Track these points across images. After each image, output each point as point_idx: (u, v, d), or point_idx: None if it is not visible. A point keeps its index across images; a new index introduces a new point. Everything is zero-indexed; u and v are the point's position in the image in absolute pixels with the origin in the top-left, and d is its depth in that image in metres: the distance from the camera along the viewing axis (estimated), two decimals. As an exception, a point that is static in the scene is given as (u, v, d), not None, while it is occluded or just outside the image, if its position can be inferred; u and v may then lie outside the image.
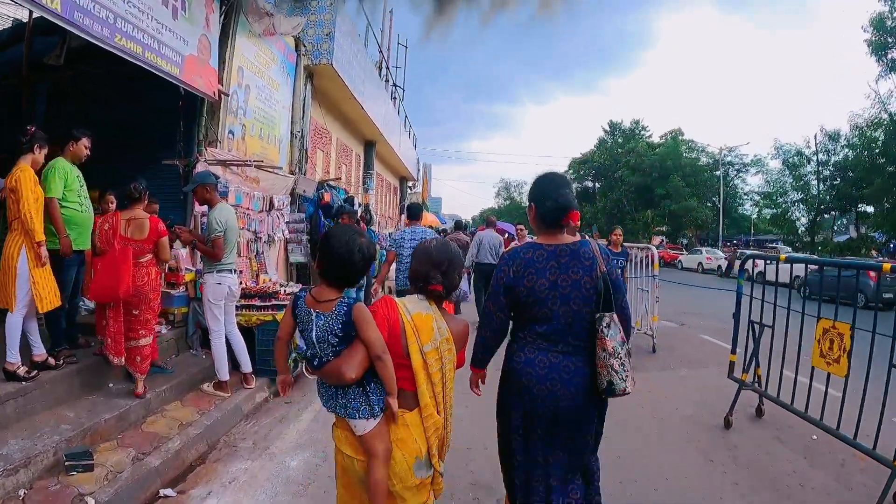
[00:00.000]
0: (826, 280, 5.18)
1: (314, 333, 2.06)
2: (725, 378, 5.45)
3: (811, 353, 4.36)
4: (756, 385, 5.15)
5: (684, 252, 37.50)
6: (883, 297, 13.24)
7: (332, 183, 11.15)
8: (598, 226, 53.98)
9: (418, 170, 30.43)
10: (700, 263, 33.41)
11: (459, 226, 15.66)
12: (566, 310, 2.45)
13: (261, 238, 8.05)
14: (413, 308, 2.15)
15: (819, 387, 4.36)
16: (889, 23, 26.37)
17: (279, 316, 5.92)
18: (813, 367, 4.33)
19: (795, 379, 4.56)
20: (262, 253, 8.17)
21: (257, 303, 6.07)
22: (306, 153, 10.00)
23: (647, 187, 48.32)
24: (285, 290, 6.41)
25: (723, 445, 4.71)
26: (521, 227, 11.57)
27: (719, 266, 31.07)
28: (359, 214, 12.06)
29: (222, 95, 7.14)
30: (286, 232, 8.90)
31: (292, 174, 9.22)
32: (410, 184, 30.49)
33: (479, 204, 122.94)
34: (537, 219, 2.61)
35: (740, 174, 48.22)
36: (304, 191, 9.01)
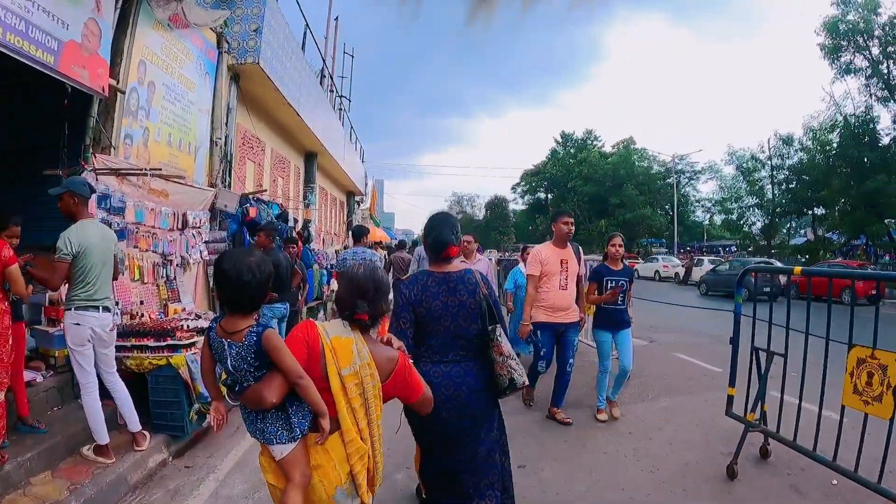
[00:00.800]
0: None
1: (229, 363, 2.04)
2: (714, 408, 4.88)
3: (837, 387, 3.59)
4: (764, 425, 4.28)
5: (639, 260, 37.49)
6: None
7: (260, 196, 10.02)
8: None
9: (366, 184, 29.30)
10: (657, 271, 33.46)
11: (402, 245, 15.34)
12: (455, 325, 2.88)
13: (171, 261, 6.88)
14: (332, 331, 2.14)
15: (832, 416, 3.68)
16: (842, 27, 26.88)
17: (176, 359, 4.83)
18: (843, 407, 3.49)
19: (819, 417, 3.77)
20: (174, 278, 7.00)
21: (151, 342, 4.92)
22: (231, 164, 8.86)
23: (600, 197, 48.55)
24: (188, 325, 5.28)
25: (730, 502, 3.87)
26: (469, 239, 10.69)
27: (676, 273, 31.04)
28: (293, 231, 10.97)
29: (117, 93, 6.01)
30: (205, 253, 7.73)
31: (213, 187, 8.06)
32: (358, 199, 29.32)
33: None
34: (428, 250, 3.08)
35: (691, 181, 48.84)
36: (226, 205, 7.88)
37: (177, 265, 7.05)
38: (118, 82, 6.03)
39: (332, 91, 20.70)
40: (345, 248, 24.35)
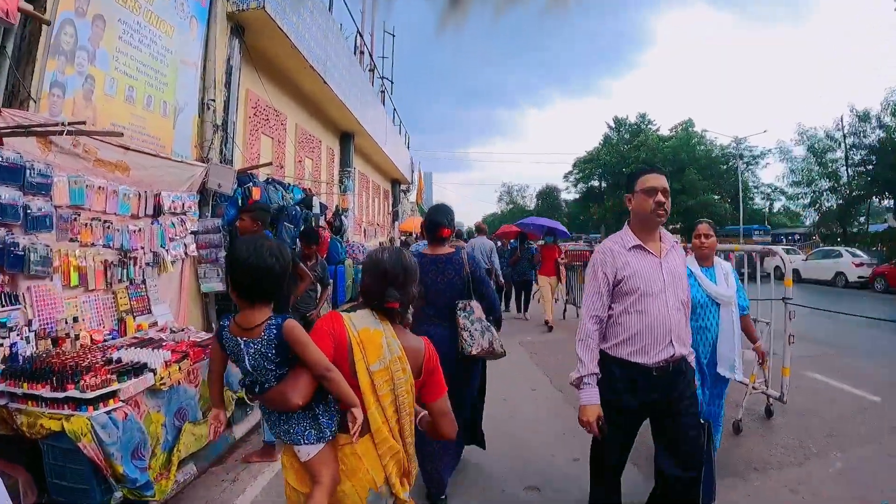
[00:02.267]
0: None
1: (247, 362, 1.89)
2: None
3: None
4: None
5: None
6: None
7: (277, 178, 8.17)
8: (606, 227, 51.54)
9: (412, 172, 27.37)
10: (726, 263, 30.24)
11: (459, 235, 13.09)
12: (444, 299, 3.63)
13: (135, 258, 5.05)
14: (360, 323, 1.97)
15: None
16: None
17: (75, 423, 2.94)
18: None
19: None
20: (143, 282, 5.18)
21: (46, 392, 3.05)
22: (232, 135, 7.00)
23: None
24: (115, 359, 3.43)
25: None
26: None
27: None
28: (321, 220, 9.10)
29: (41, 24, 4.21)
30: (192, 247, 5.90)
31: (203, 162, 6.21)
32: (404, 188, 27.46)
33: (482, 209, 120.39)
34: (426, 231, 3.88)
35: (749, 167, 45.25)
36: (220, 185, 6.00)
37: (146, 264, 5.22)
38: (43, 11, 4.24)
39: (372, 71, 18.86)
40: (391, 239, 22.81)
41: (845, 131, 32.56)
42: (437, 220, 3.73)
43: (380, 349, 1.92)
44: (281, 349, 1.86)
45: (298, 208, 7.12)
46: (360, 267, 9.78)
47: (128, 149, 4.90)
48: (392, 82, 24.51)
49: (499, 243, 16.50)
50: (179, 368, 3.78)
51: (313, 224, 8.60)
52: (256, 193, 6.51)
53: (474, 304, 3.62)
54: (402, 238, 22.85)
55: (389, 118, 20.47)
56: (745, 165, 44.78)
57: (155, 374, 3.50)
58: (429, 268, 3.61)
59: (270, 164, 7.95)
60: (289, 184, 8.62)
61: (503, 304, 12.78)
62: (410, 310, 2.23)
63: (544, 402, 6.02)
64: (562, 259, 11.22)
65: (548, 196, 74.36)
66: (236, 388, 4.63)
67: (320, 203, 9.41)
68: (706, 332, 3.81)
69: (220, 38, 6.84)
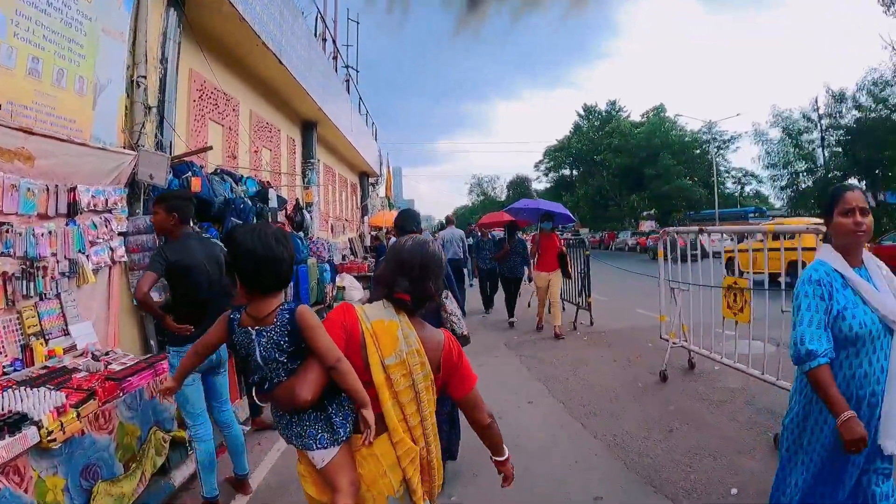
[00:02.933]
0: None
1: (258, 355, 1.79)
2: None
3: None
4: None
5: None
6: None
7: (228, 169, 7.23)
8: (579, 215, 51.31)
9: (381, 164, 26.39)
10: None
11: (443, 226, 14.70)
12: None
13: (44, 268, 4.12)
14: (373, 314, 1.87)
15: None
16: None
17: None
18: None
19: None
20: (59, 295, 4.26)
21: None
22: (168, 116, 6.01)
23: (633, 169, 45.26)
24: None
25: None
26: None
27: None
28: (283, 214, 8.22)
29: None
30: (120, 251, 4.97)
31: (132, 150, 5.25)
32: (373, 180, 26.46)
33: (453, 202, 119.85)
34: (397, 230, 4.58)
35: (721, 151, 45.23)
36: (151, 176, 5.06)
37: (60, 274, 4.29)
38: None
39: (335, 58, 17.87)
40: (360, 235, 21.89)
41: (821, 112, 32.47)
42: (407, 227, 4.37)
43: (395, 342, 1.82)
44: (293, 337, 1.77)
45: (248, 202, 6.18)
46: (326, 265, 8.89)
47: (30, 132, 3.96)
48: (357, 71, 23.53)
49: (478, 235, 15.77)
50: (79, 415, 2.85)
51: (270, 218, 7.69)
52: (196, 184, 5.56)
53: (450, 293, 3.85)
54: (373, 233, 21.95)
55: (355, 107, 19.49)
56: (716, 150, 44.79)
57: (41, 428, 2.59)
58: None
59: (209, 147, 6.88)
60: (242, 175, 7.67)
61: (484, 305, 12.02)
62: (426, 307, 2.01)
63: (546, 419, 5.25)
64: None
65: (518, 186, 73.86)
66: (170, 427, 3.80)
67: (278, 196, 8.49)
68: (868, 379, 2.26)
69: (154, 7, 5.86)
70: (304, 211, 8.82)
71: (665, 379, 6.23)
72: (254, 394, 1.92)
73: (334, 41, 18.58)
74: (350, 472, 1.77)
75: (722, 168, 45.46)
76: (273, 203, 7.76)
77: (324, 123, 13.77)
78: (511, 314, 10.50)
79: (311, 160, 13.17)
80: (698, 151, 44.97)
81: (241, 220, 5.93)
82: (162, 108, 5.89)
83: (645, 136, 44.87)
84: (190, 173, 5.70)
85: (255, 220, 6.49)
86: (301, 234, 8.45)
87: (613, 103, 55.95)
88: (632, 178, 46.11)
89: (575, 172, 59.14)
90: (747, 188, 46.96)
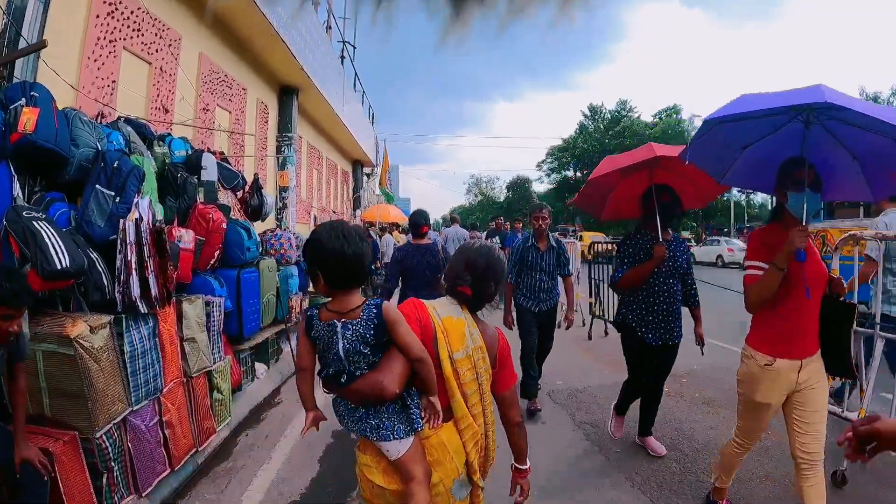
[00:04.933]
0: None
1: (341, 346, 1.79)
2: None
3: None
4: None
5: (693, 244, 31.73)
6: None
7: (143, 118, 4.65)
8: (583, 220, 48.98)
9: (377, 152, 23.74)
10: (720, 256, 27.80)
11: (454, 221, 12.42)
12: (424, 274, 4.88)
13: None
14: (443, 311, 1.97)
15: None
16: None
17: None
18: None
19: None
20: None
21: None
22: (37, 29, 3.44)
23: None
24: None
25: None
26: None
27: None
28: (232, 195, 5.67)
29: None
30: None
31: None
32: (367, 170, 23.82)
33: (450, 201, 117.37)
34: (411, 227, 5.51)
35: None
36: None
37: None
38: None
39: (328, 28, 15.21)
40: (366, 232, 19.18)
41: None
42: (420, 222, 5.30)
43: (463, 337, 1.92)
44: (379, 330, 1.79)
45: (128, 159, 3.56)
46: (293, 268, 6.34)
47: None
48: (354, 47, 20.88)
49: (481, 232, 13.59)
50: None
51: (211, 197, 5.11)
52: (29, 120, 2.97)
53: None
54: (364, 227, 19.32)
55: (349, 83, 16.89)
56: None
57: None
58: (414, 253, 5.06)
59: (42, 44, 4.08)
60: (165, 134, 5.09)
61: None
62: (487, 308, 2.13)
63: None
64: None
65: (518, 187, 71.33)
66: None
67: (226, 169, 5.91)
68: None
69: None
70: (263, 193, 6.24)
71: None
72: (323, 385, 1.90)
73: (329, 10, 15.96)
74: (423, 461, 1.81)
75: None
76: (210, 174, 5.16)
77: (307, 91, 11.18)
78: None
79: (289, 134, 10.55)
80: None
81: (112, 192, 3.31)
82: (18, 13, 3.30)
83: (660, 135, 42.35)
84: (23, 101, 3.10)
85: (157, 196, 3.94)
86: (249, 223, 5.81)
87: (624, 103, 53.52)
88: (642, 181, 43.69)
89: (579, 174, 56.61)
90: (758, 196, 44.73)
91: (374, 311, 1.80)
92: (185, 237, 4.30)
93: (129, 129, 4.37)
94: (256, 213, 6.26)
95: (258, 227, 6.69)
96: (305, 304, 6.96)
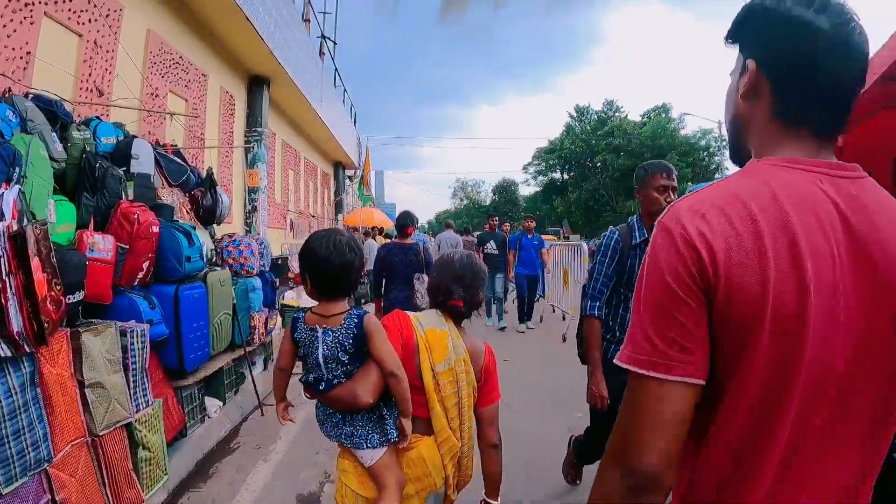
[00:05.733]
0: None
1: (320, 351, 1.85)
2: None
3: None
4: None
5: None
6: None
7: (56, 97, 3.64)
8: (570, 220, 48.23)
9: (359, 154, 22.62)
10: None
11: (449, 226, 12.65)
12: (406, 272, 5.18)
13: None
14: (427, 323, 1.99)
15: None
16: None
17: None
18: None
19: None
20: None
21: None
22: None
23: (634, 171, 41.90)
24: None
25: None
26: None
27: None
28: (180, 194, 4.66)
29: None
30: None
31: None
32: (350, 172, 22.72)
33: (435, 206, 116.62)
34: (397, 227, 5.80)
35: (709, 158, 42.33)
36: None
37: None
38: None
39: (306, 20, 14.15)
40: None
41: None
42: (405, 223, 5.63)
43: (445, 350, 1.91)
44: (357, 340, 1.82)
45: (11, 147, 2.56)
46: (255, 281, 5.33)
47: None
48: (335, 43, 19.81)
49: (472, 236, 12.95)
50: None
51: (146, 195, 4.09)
52: None
53: (425, 276, 5.09)
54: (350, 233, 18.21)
55: (329, 78, 15.85)
56: (708, 156, 41.98)
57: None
58: (398, 251, 5.36)
59: None
60: (93, 118, 4.09)
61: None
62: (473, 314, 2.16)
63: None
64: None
65: (505, 191, 70.57)
66: None
67: (173, 161, 4.87)
68: None
69: None
70: (219, 191, 5.18)
71: None
72: (304, 392, 1.93)
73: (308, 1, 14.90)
74: (396, 471, 1.83)
75: (728, 172, 42.67)
76: (142, 166, 4.12)
77: (280, 83, 10.13)
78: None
79: (259, 129, 9.46)
80: (705, 153, 41.93)
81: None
82: None
83: (650, 134, 41.59)
84: None
85: (71, 192, 2.95)
86: (192, 226, 4.75)
87: (611, 103, 52.76)
88: (631, 181, 43.08)
89: (566, 176, 55.82)
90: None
91: (356, 320, 1.84)
92: (101, 244, 3.27)
93: (30, 105, 3.37)
94: (210, 214, 5.21)
95: (219, 232, 5.66)
96: (274, 323, 5.93)
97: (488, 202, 75.44)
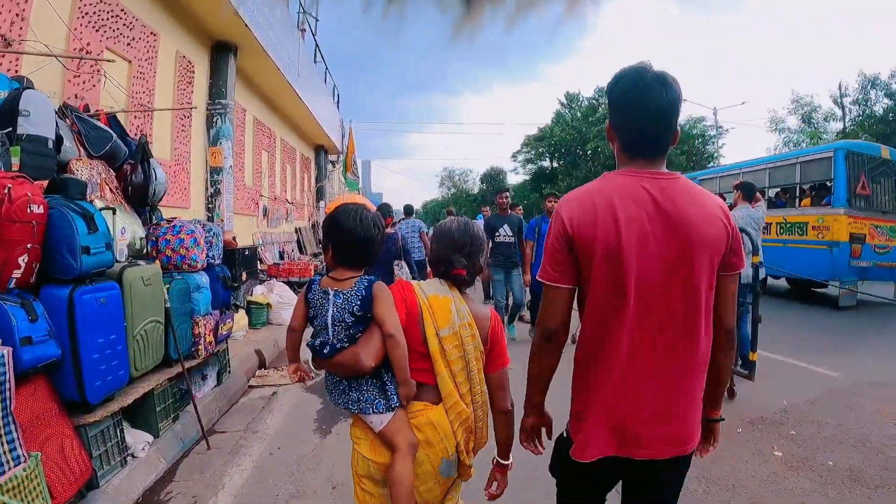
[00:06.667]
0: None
1: (330, 314, 1.89)
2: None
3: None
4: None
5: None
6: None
7: None
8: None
9: (342, 138, 21.42)
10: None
11: (409, 211, 11.25)
12: (386, 259, 5.06)
13: None
14: (430, 290, 1.99)
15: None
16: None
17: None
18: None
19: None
20: None
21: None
22: None
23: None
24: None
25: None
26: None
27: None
28: (85, 165, 3.53)
29: None
30: None
31: None
32: (332, 157, 21.51)
33: (422, 196, 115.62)
34: None
35: (706, 145, 41.45)
36: None
37: None
38: None
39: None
40: (313, 225, 17.18)
41: (849, 100, 28.76)
42: (384, 214, 5.65)
43: (449, 315, 1.92)
44: (364, 304, 1.86)
45: None
46: (199, 279, 4.27)
47: None
48: (317, 20, 18.59)
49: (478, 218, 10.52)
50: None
51: (40, 164, 3.04)
52: None
53: (403, 263, 5.27)
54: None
55: (309, 53, 14.68)
56: (701, 142, 41.12)
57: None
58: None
59: None
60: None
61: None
62: (476, 280, 2.16)
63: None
64: None
65: (493, 179, 69.43)
66: None
67: (94, 126, 3.81)
68: None
69: None
70: (153, 165, 4.10)
71: None
72: (311, 359, 1.98)
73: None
74: (407, 434, 1.83)
75: (724, 161, 41.87)
76: (35, 126, 3.05)
77: (249, 51, 8.98)
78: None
79: (223, 101, 8.34)
80: (700, 141, 41.02)
81: None
82: None
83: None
84: None
85: None
86: (94, 207, 3.65)
87: (602, 90, 51.73)
88: (623, 170, 42.16)
89: (556, 164, 54.87)
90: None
91: (365, 283, 1.89)
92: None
93: None
94: (141, 194, 4.13)
95: (191, 217, 4.57)
96: (228, 328, 4.86)
97: (476, 191, 74.48)
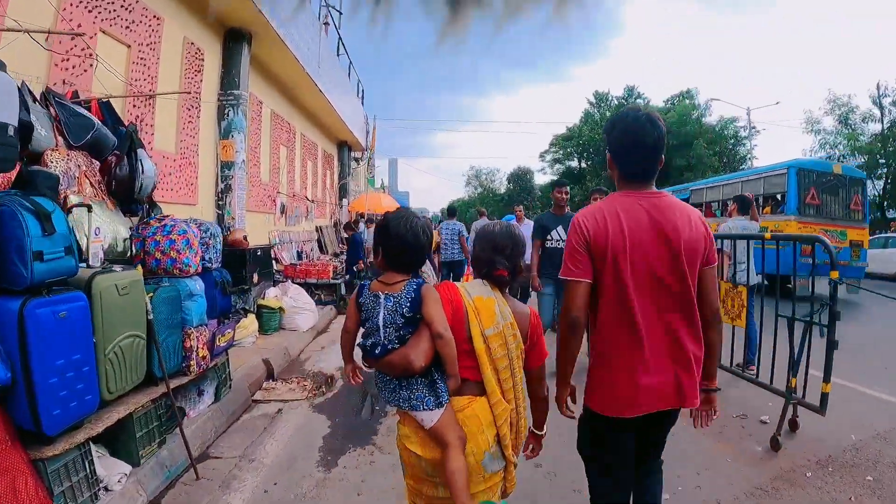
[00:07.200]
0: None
1: (381, 316, 1.96)
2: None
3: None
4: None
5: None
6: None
7: None
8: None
9: (367, 131, 20.96)
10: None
11: (452, 212, 12.00)
12: None
13: None
14: (474, 291, 2.07)
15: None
16: None
17: None
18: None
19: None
20: None
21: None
22: None
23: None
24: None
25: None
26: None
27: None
28: (60, 156, 3.05)
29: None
30: None
31: None
32: (356, 154, 21.09)
33: (449, 195, 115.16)
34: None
35: (736, 147, 40.22)
36: None
37: None
38: None
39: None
40: (335, 223, 16.75)
41: (888, 101, 27.60)
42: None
43: (493, 315, 1.99)
44: (414, 305, 1.92)
45: None
46: (194, 283, 3.79)
47: None
48: (340, 13, 18.13)
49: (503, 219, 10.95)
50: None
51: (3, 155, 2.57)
52: None
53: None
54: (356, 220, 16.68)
55: (332, 47, 14.25)
56: (733, 144, 39.91)
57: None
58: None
59: None
60: None
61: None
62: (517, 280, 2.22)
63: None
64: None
65: (520, 179, 68.64)
66: None
67: (73, 112, 3.37)
68: None
69: None
70: (140, 156, 3.65)
71: None
72: (363, 359, 2.04)
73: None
74: (457, 429, 1.89)
75: (756, 162, 40.64)
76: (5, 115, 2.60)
77: (265, 39, 8.55)
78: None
79: (236, 91, 7.90)
80: (733, 141, 39.79)
81: None
82: None
83: (676, 121, 39.38)
84: None
85: None
86: (53, 204, 3.18)
87: (631, 89, 50.65)
88: (654, 169, 41.12)
89: (583, 164, 53.92)
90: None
91: (415, 286, 1.96)
92: None
93: None
94: (126, 188, 3.67)
95: (188, 214, 4.12)
96: (227, 339, 4.39)
97: (503, 190, 73.75)
